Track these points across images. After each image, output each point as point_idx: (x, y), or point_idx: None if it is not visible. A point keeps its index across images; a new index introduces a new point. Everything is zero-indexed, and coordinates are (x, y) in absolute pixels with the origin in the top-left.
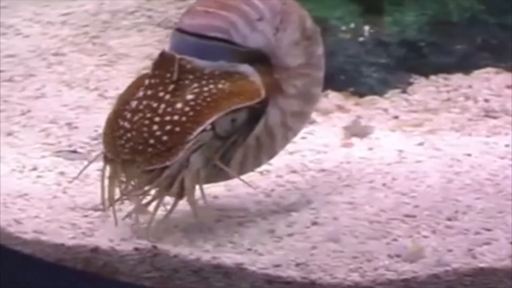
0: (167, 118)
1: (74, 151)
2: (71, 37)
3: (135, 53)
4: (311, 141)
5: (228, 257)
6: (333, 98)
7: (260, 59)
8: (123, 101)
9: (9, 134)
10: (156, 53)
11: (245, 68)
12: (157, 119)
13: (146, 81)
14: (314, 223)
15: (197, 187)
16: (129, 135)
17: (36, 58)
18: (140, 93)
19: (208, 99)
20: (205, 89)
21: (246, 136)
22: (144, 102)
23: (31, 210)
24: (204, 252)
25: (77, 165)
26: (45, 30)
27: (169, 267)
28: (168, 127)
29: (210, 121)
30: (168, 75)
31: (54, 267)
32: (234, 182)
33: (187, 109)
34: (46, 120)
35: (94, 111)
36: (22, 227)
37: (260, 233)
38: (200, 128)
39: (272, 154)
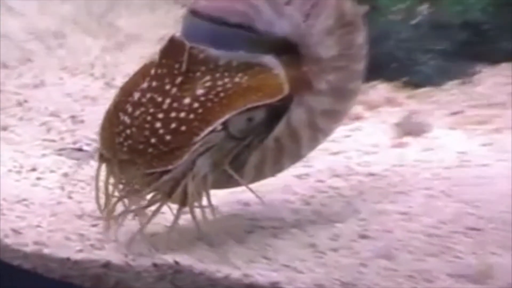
0: (173, 114)
1: (80, 149)
2: (73, 15)
3: (148, 35)
4: (357, 139)
5: (262, 275)
6: (382, 89)
7: (287, 49)
8: (126, 91)
9: (4, 128)
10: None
11: (268, 59)
12: (160, 115)
13: (152, 71)
14: (362, 236)
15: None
16: (128, 131)
17: (33, 40)
18: (145, 84)
19: (222, 94)
20: (219, 83)
21: (263, 138)
22: (148, 95)
23: (32, 218)
24: (233, 269)
25: (83, 165)
26: (42, 7)
27: (193, 286)
28: (172, 126)
29: (221, 120)
30: (177, 65)
31: (58, 285)
32: (268, 187)
33: (196, 105)
34: (46, 112)
35: (101, 102)
36: (21, 238)
37: (298, 247)
38: (209, 128)
39: (296, 158)
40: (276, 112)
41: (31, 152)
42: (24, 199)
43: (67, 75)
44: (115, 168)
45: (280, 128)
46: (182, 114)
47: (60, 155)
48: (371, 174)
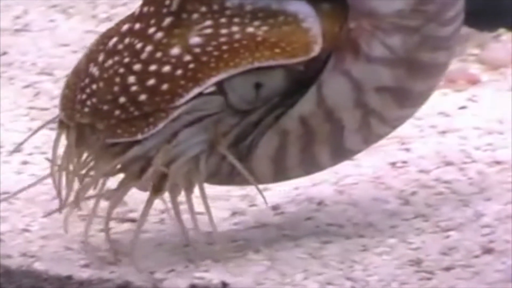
0: (152, 67)
1: None
2: None
3: None
4: (475, 113)
5: None
6: (508, 42)
7: None
8: (105, 37)
9: None
10: None
11: (299, 7)
12: (137, 67)
13: (138, 9)
14: (487, 250)
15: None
16: (94, 87)
17: None
18: (126, 26)
19: (224, 47)
20: (223, 31)
21: (281, 114)
22: (126, 40)
23: (16, 219)
24: None
25: None
26: None
27: None
28: (150, 82)
29: (213, 80)
30: (167, 1)
31: None
32: (350, 179)
33: (187, 58)
34: (33, 68)
35: None
36: (3, 248)
37: (396, 265)
38: (197, 89)
39: (337, 150)
40: (303, 81)
41: (13, 126)
42: (5, 193)
43: (61, 16)
44: (71, 135)
45: (307, 104)
46: (166, 68)
47: (53, 129)
48: (497, 163)
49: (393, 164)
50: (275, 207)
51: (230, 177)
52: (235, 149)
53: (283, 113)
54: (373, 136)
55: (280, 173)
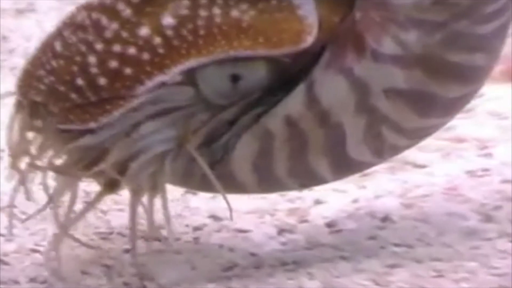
0: (116, 48)
1: None
2: None
3: None
4: None
5: None
6: None
7: None
8: (81, 8)
9: None
10: None
11: None
12: (99, 47)
13: None
14: None
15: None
16: (54, 63)
17: None
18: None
19: (202, 31)
20: (203, 13)
21: (262, 113)
22: (94, 16)
23: (24, 236)
24: None
25: None
26: None
27: None
28: (112, 64)
29: (179, 67)
30: None
31: None
32: (419, 190)
33: (156, 40)
34: None
35: None
36: (9, 271)
37: None
38: (160, 77)
39: (340, 160)
40: (292, 75)
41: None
42: (15, 206)
43: None
44: (24, 114)
45: (294, 104)
46: (131, 50)
47: None
48: None
49: (471, 172)
50: (330, 224)
51: (205, 182)
52: (208, 150)
53: (265, 111)
54: (387, 148)
55: (267, 182)
